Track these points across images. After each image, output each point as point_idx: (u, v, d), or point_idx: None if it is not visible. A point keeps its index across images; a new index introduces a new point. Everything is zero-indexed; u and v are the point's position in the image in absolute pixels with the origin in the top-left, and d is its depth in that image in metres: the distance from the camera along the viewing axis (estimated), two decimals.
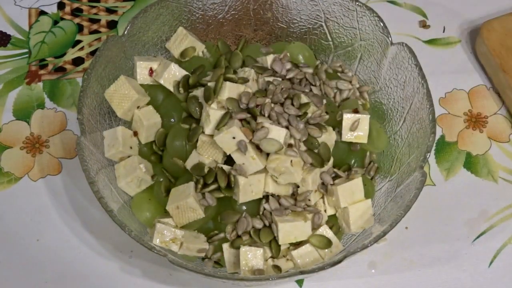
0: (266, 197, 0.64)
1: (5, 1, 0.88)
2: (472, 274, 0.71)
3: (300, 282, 0.71)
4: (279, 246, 0.63)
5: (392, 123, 0.71)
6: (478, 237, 0.73)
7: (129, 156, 0.67)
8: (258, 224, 0.63)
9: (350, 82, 0.71)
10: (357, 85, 0.72)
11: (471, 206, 0.75)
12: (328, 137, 0.65)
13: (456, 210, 0.74)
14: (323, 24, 0.74)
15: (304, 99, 0.65)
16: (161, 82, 0.67)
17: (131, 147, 0.67)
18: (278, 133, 0.61)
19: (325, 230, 0.64)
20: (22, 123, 0.79)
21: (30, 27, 0.86)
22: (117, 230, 0.62)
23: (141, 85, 0.69)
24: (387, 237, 0.63)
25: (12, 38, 0.85)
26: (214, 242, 0.64)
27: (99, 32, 0.86)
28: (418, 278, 0.71)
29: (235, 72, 0.67)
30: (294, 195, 0.64)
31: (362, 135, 0.65)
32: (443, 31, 0.86)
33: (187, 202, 0.61)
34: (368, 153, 0.69)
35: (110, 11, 0.88)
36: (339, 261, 0.59)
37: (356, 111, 0.66)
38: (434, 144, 0.73)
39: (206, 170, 0.63)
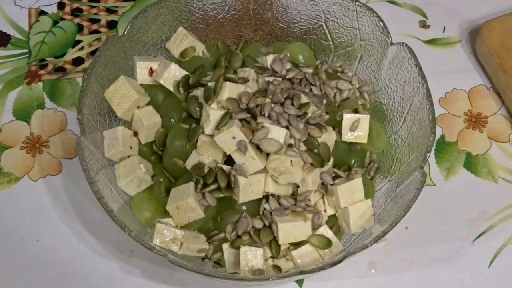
0: (266, 197, 0.64)
1: (5, 1, 0.88)
2: (472, 274, 0.71)
3: (300, 282, 0.71)
4: (279, 246, 0.63)
5: (392, 123, 0.71)
6: (478, 237, 0.73)
7: (129, 156, 0.67)
8: (258, 224, 0.63)
9: (350, 82, 0.71)
10: (357, 85, 0.72)
11: (471, 206, 0.75)
12: (328, 137, 0.65)
13: (456, 210, 0.74)
14: (323, 24, 0.74)
15: (304, 99, 0.65)
16: (161, 82, 0.67)
17: (131, 147, 0.67)
18: (278, 133, 0.61)
19: (325, 230, 0.64)
20: (22, 123, 0.79)
21: (30, 27, 0.86)
22: (117, 230, 0.62)
23: (141, 85, 0.69)
24: (387, 237, 0.63)
25: (12, 38, 0.85)
26: (214, 242, 0.64)
27: (99, 32, 0.86)
28: (418, 278, 0.71)
29: (235, 72, 0.67)
30: (294, 195, 0.64)
31: (362, 135, 0.65)
32: (443, 31, 0.86)
33: (187, 202, 0.61)
34: (368, 153, 0.69)
35: (110, 11, 0.88)
36: (339, 261, 0.59)
37: (356, 111, 0.66)
38: (434, 144, 0.73)
39: (206, 170, 0.63)
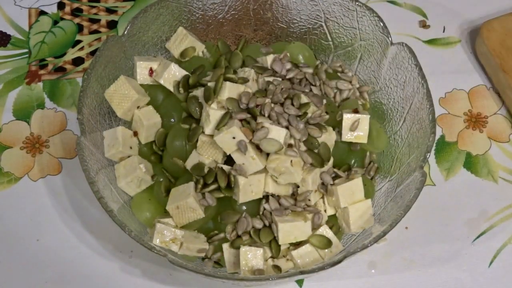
0: (266, 197, 0.64)
1: (5, 1, 0.88)
2: (472, 274, 0.71)
3: (300, 282, 0.71)
4: (279, 246, 0.63)
5: (392, 123, 0.71)
6: (478, 237, 0.73)
7: (129, 156, 0.67)
8: (258, 224, 0.63)
9: (350, 82, 0.71)
10: (357, 85, 0.72)
11: (471, 206, 0.75)
12: (328, 137, 0.65)
13: (456, 210, 0.74)
14: (323, 24, 0.74)
15: (304, 99, 0.65)
16: (161, 82, 0.67)
17: (131, 147, 0.67)
18: (278, 133, 0.61)
19: (325, 230, 0.64)
20: (22, 123, 0.79)
21: (30, 27, 0.86)
22: (117, 230, 0.62)
23: (141, 85, 0.69)
24: (387, 237, 0.63)
25: (12, 38, 0.85)
26: (214, 242, 0.64)
27: (99, 32, 0.86)
28: (418, 278, 0.71)
29: (235, 72, 0.67)
30: (294, 195, 0.64)
31: (362, 135, 0.65)
32: (443, 31, 0.86)
33: (187, 202, 0.61)
34: (368, 153, 0.69)
35: (110, 11, 0.88)
36: (339, 261, 0.59)
37: (356, 111, 0.66)
38: (434, 144, 0.73)
39: (206, 170, 0.63)
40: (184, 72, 0.67)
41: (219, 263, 0.65)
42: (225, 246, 0.64)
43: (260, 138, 0.60)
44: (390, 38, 0.69)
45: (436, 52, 0.84)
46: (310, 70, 0.69)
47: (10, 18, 0.87)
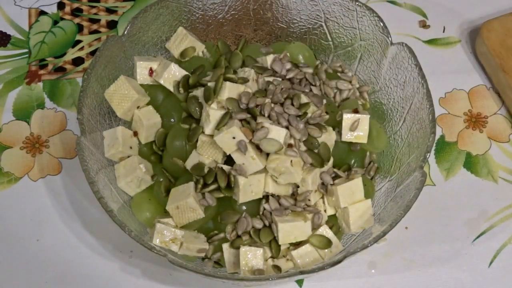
0: (266, 197, 0.64)
1: (5, 1, 0.88)
2: (472, 274, 0.71)
3: (300, 282, 0.70)
4: (279, 246, 0.63)
5: (392, 123, 0.71)
6: (478, 237, 0.73)
7: (129, 156, 0.67)
8: (258, 224, 0.63)
9: (350, 82, 0.71)
10: (357, 85, 0.72)
11: (471, 206, 0.75)
12: (328, 137, 0.65)
13: (456, 210, 0.74)
14: (323, 24, 0.74)
15: (304, 99, 0.65)
16: (161, 82, 0.67)
17: (131, 147, 0.67)
18: (278, 133, 0.61)
19: (325, 230, 0.64)
20: (22, 123, 0.79)
21: (30, 27, 0.86)
22: (117, 230, 0.62)
23: (141, 85, 0.69)
24: (387, 237, 0.63)
25: (12, 38, 0.85)
26: (214, 242, 0.64)
27: (99, 32, 0.86)
28: (418, 278, 0.71)
29: (235, 72, 0.67)
30: (294, 195, 0.64)
31: (362, 135, 0.65)
32: (443, 31, 0.86)
33: (187, 202, 0.61)
34: (368, 153, 0.69)
35: (110, 11, 0.88)
36: (339, 261, 0.59)
37: (356, 111, 0.66)
38: (434, 144, 0.73)
39: (206, 170, 0.63)
40: (184, 72, 0.67)
41: (219, 263, 0.65)
42: (225, 246, 0.64)
43: (260, 138, 0.60)
44: (390, 38, 0.69)
45: (436, 52, 0.84)
46: (310, 70, 0.69)
47: (10, 18, 0.87)
